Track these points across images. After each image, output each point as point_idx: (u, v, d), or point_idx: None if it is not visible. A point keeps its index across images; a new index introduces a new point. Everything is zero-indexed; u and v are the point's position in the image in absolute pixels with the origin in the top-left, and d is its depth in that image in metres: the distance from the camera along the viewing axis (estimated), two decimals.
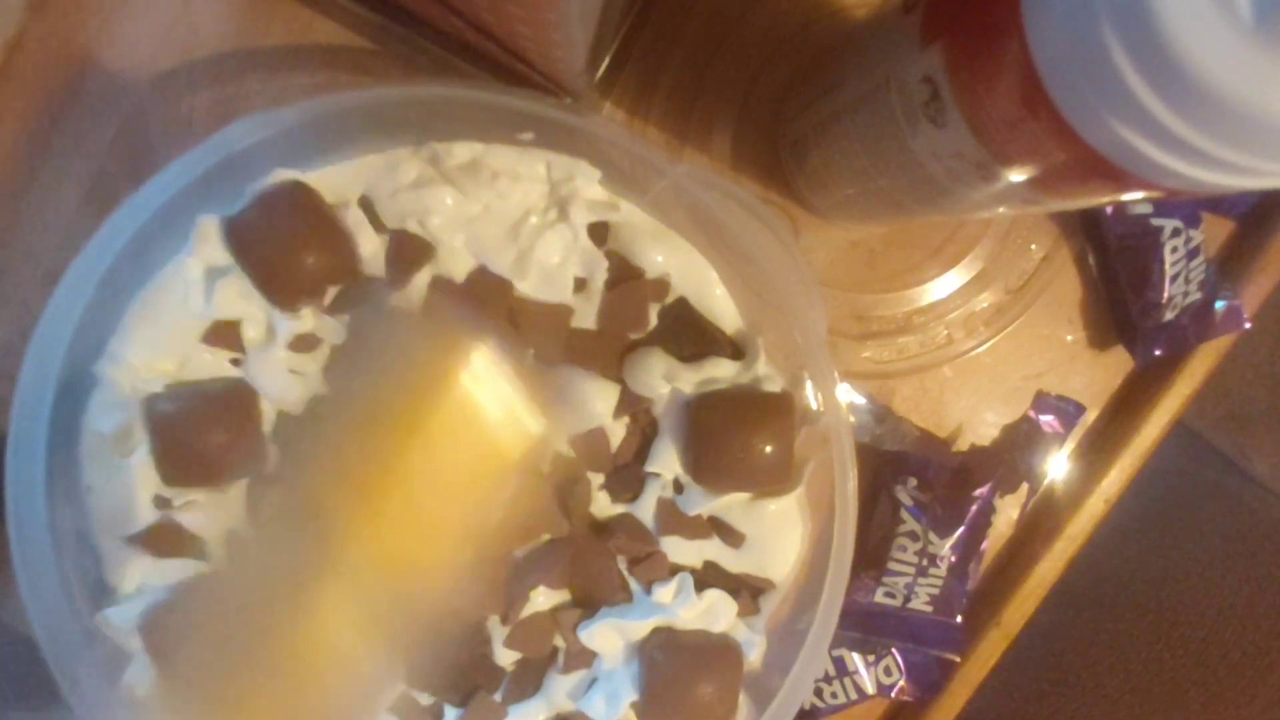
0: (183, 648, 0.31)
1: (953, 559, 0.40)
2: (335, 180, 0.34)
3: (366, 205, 0.34)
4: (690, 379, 0.35)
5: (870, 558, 0.41)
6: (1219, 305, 0.41)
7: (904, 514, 0.40)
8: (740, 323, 0.36)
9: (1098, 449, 0.42)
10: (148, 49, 0.39)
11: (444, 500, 0.31)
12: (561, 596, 0.36)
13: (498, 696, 0.36)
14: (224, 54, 0.39)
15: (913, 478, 0.41)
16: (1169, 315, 0.41)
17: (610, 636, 0.35)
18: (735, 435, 0.33)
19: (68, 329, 0.32)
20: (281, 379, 0.34)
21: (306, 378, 0.34)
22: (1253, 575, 0.52)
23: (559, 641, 0.36)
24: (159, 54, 0.39)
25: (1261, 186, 0.18)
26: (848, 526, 0.34)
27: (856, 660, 0.42)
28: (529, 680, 0.36)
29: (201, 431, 0.33)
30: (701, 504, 0.35)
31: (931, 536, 0.40)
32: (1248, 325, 0.41)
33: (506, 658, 0.36)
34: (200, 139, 0.32)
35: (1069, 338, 0.43)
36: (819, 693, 0.42)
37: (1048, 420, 0.42)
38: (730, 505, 0.35)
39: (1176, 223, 0.40)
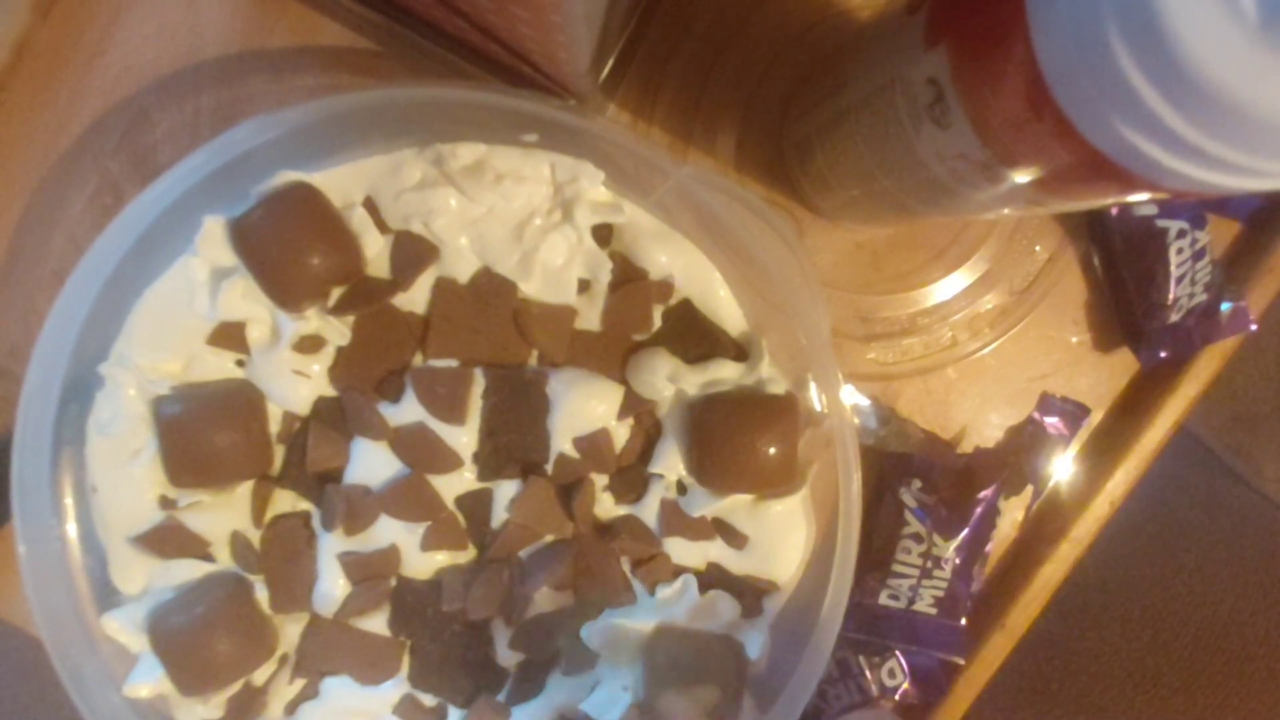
0: None
1: (957, 561, 0.40)
2: (340, 181, 0.34)
3: (371, 206, 0.34)
4: (694, 380, 0.35)
5: (874, 560, 0.41)
6: (1225, 307, 0.41)
7: (908, 516, 0.40)
8: (744, 324, 0.36)
9: (1103, 451, 0.42)
10: (153, 51, 0.39)
11: None
12: (565, 598, 0.36)
13: (501, 697, 0.36)
14: (229, 56, 0.39)
15: (917, 479, 0.41)
16: (1174, 317, 0.41)
17: (614, 637, 0.35)
18: (739, 437, 0.33)
19: (73, 330, 0.32)
20: (286, 380, 0.34)
21: (311, 379, 0.35)
22: (1240, 580, 0.52)
23: (562, 643, 0.36)
24: (164, 56, 0.39)
25: (1267, 188, 0.18)
26: (852, 528, 0.34)
27: (860, 662, 0.41)
28: (532, 681, 0.36)
29: (207, 433, 0.33)
30: (705, 505, 0.35)
31: (936, 538, 0.40)
32: (1254, 327, 0.41)
33: (510, 659, 0.36)
34: (205, 140, 0.32)
35: (1074, 339, 0.43)
36: (823, 694, 0.42)
37: (1052, 422, 0.42)
38: (734, 507, 0.35)
39: (1182, 224, 0.40)
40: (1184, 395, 0.41)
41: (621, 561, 0.36)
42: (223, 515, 0.35)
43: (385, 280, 0.34)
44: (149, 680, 0.33)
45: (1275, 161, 0.17)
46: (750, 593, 0.36)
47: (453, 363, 0.35)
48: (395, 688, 0.36)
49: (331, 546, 0.35)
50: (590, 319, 0.35)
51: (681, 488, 0.36)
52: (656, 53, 0.39)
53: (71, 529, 0.33)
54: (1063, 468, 0.43)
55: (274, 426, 0.35)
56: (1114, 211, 0.40)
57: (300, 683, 0.36)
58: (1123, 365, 0.43)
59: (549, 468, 0.35)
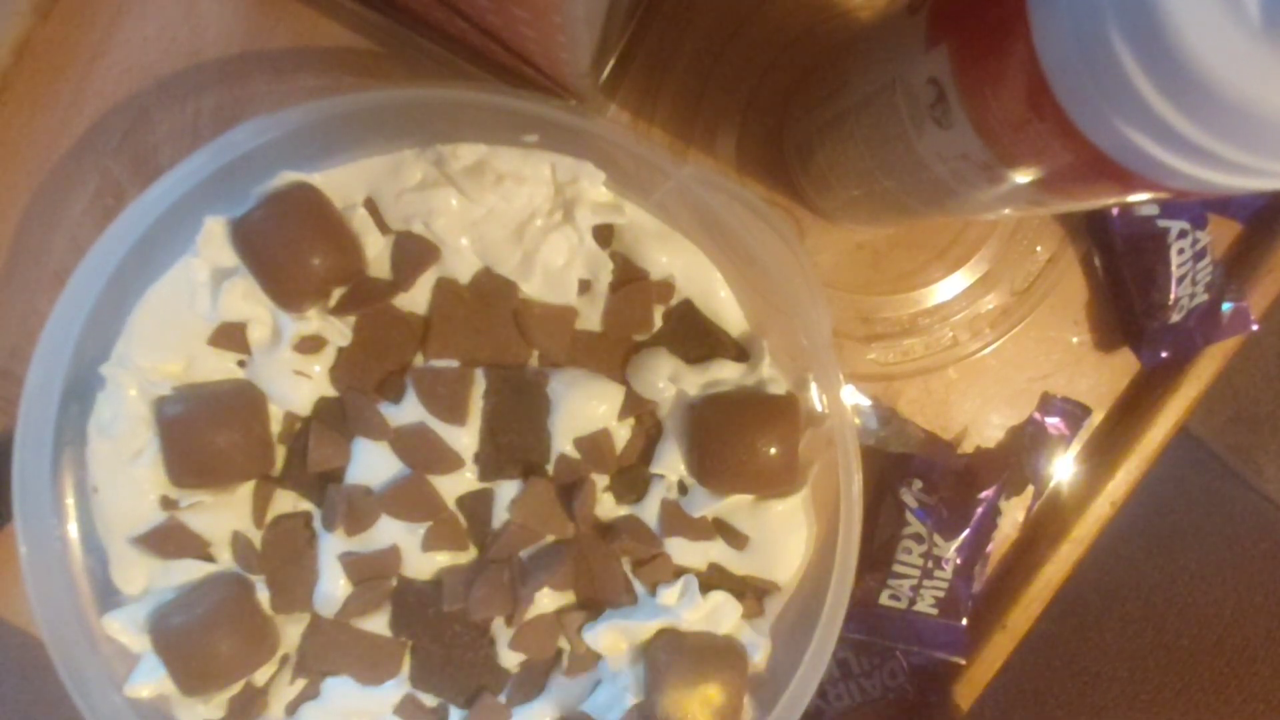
0: None
1: (958, 561, 0.40)
2: (341, 182, 0.34)
3: (372, 207, 0.34)
4: (695, 381, 0.35)
5: (875, 560, 0.41)
6: (1226, 307, 0.41)
7: (909, 516, 0.40)
8: (745, 325, 0.36)
9: (1103, 451, 0.42)
10: (154, 52, 0.39)
11: None
12: (566, 598, 0.36)
13: (502, 698, 0.36)
14: (230, 56, 0.39)
15: (918, 480, 0.41)
16: (1175, 317, 0.41)
17: (615, 638, 0.35)
18: (740, 437, 0.33)
19: (74, 331, 0.32)
20: (287, 381, 0.34)
21: (312, 379, 0.35)
22: (1241, 580, 0.52)
23: (563, 643, 0.36)
24: (165, 57, 0.39)
25: (1269, 188, 0.18)
26: (852, 529, 0.34)
27: (861, 662, 0.41)
28: (533, 682, 0.36)
29: (209, 433, 0.33)
30: (706, 506, 0.35)
31: (937, 539, 0.40)
32: (1255, 327, 0.41)
33: (511, 659, 0.36)
34: (206, 141, 0.32)
35: (1075, 340, 0.43)
36: (824, 694, 0.42)
37: (1053, 422, 0.42)
38: (735, 507, 0.35)
39: (1183, 224, 0.40)
40: (1185, 396, 0.41)
41: (622, 562, 0.36)
42: (224, 515, 0.35)
43: (386, 280, 0.34)
44: (150, 680, 0.33)
45: (1276, 161, 0.17)
46: (751, 593, 0.36)
47: (453, 363, 0.35)
48: (396, 688, 0.36)
49: (332, 547, 0.35)
50: (591, 319, 0.35)
51: (682, 488, 0.36)
52: (657, 53, 0.39)
53: (73, 529, 0.33)
54: (1064, 468, 0.43)
55: (275, 427, 0.35)
56: (1115, 212, 0.40)
57: (301, 683, 0.36)
58: (1124, 365, 0.43)
59: (550, 468, 0.35)
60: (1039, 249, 0.42)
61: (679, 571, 0.36)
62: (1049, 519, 0.42)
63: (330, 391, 0.35)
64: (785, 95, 0.40)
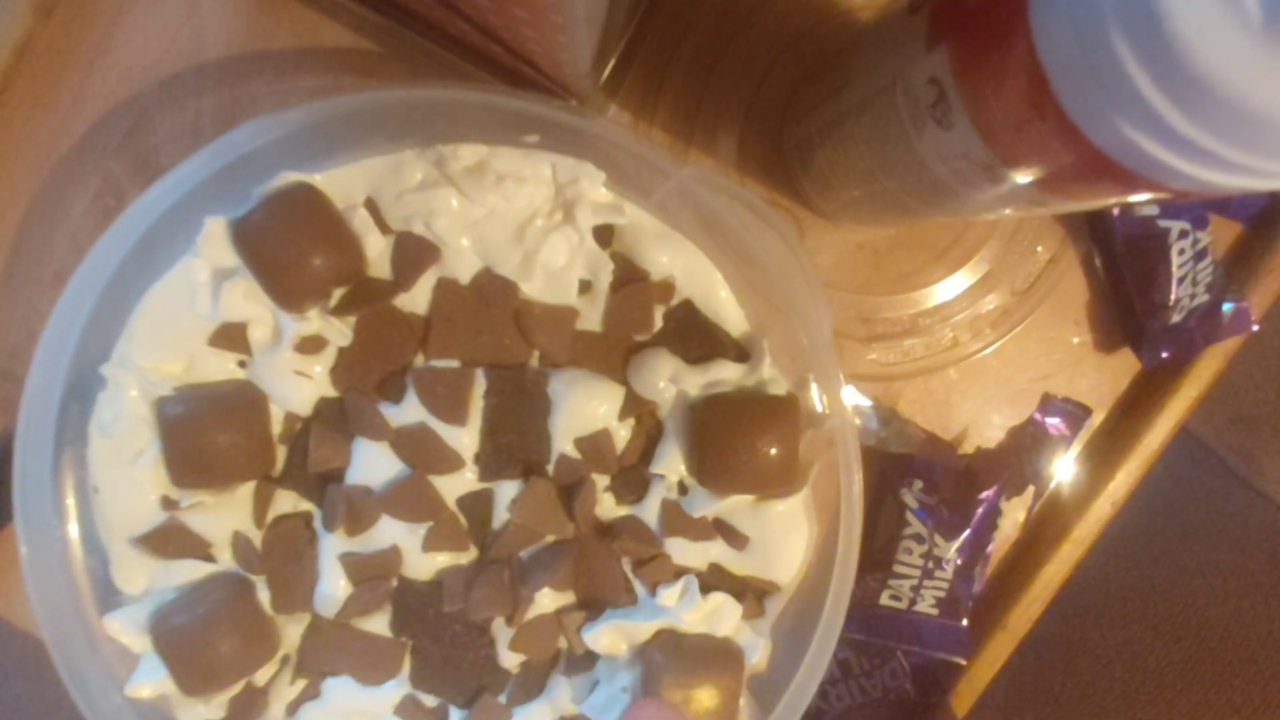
0: None
1: (958, 562, 0.40)
2: (341, 182, 0.34)
3: (372, 207, 0.34)
4: (695, 381, 0.35)
5: (876, 560, 0.41)
6: (1226, 307, 0.41)
7: (909, 516, 0.40)
8: (746, 325, 0.36)
9: (1104, 452, 0.42)
10: (155, 52, 0.39)
11: None
12: (566, 598, 0.36)
13: (502, 698, 0.36)
14: (231, 57, 0.39)
15: (918, 480, 0.41)
16: (1176, 317, 0.41)
17: (614, 639, 0.35)
18: (740, 437, 0.33)
19: (75, 331, 0.32)
20: (288, 381, 0.34)
21: (313, 379, 0.35)
22: (1242, 580, 0.52)
23: (563, 643, 0.36)
24: (166, 57, 0.39)
25: (1269, 188, 0.18)
26: (853, 529, 0.33)
27: (862, 662, 0.41)
28: (533, 682, 0.36)
29: (209, 433, 0.33)
30: (706, 506, 0.35)
31: (937, 539, 0.40)
32: (1256, 328, 0.41)
33: (511, 659, 0.36)
34: (207, 141, 0.32)
35: (1075, 340, 0.43)
36: (824, 695, 0.42)
37: (1054, 423, 0.42)
38: (735, 507, 0.35)
39: (1184, 224, 0.40)
40: (1185, 396, 0.41)
41: (622, 562, 0.36)
42: (224, 516, 0.35)
43: (387, 281, 0.34)
44: (151, 680, 0.33)
45: (1276, 161, 0.17)
46: (751, 593, 0.36)
47: (454, 363, 0.35)
48: (396, 688, 0.36)
49: (333, 547, 0.35)
50: (591, 320, 0.35)
51: (683, 488, 0.36)
52: (658, 53, 0.39)
53: (73, 530, 0.33)
54: (1064, 468, 0.43)
55: (276, 427, 0.35)
56: (1115, 212, 0.40)
57: (302, 683, 0.36)
58: (1124, 366, 0.43)
59: (550, 468, 0.35)
60: (1039, 249, 0.42)
61: (679, 572, 0.36)
62: (1049, 519, 0.42)
63: (331, 392, 0.35)
64: (786, 95, 0.40)
